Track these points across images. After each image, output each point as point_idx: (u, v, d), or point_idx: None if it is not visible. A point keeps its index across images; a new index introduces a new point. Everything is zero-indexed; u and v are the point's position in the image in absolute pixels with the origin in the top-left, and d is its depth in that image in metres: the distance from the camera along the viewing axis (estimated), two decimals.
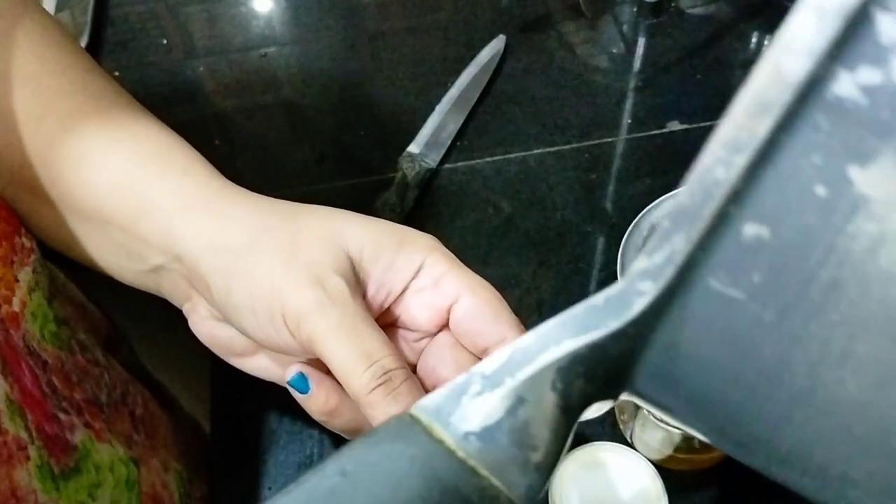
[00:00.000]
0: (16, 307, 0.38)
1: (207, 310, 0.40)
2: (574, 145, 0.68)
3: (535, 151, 0.68)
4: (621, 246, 0.39)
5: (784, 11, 0.78)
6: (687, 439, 0.48)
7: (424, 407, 0.19)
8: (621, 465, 0.50)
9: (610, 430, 0.54)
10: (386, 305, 0.39)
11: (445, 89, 0.71)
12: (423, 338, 0.40)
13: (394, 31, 0.77)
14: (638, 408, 0.49)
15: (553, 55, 0.74)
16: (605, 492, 0.49)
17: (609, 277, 0.61)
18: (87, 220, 0.41)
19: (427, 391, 0.36)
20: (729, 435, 0.20)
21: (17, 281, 0.39)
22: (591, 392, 0.20)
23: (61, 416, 0.39)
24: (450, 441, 0.18)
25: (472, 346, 0.39)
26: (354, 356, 0.34)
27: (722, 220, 0.18)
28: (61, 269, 0.49)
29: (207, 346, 0.42)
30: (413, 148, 0.67)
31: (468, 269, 0.39)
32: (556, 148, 0.68)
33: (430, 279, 0.38)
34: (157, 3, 0.80)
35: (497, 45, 0.73)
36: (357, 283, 0.37)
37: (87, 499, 0.39)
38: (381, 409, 0.34)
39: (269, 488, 0.54)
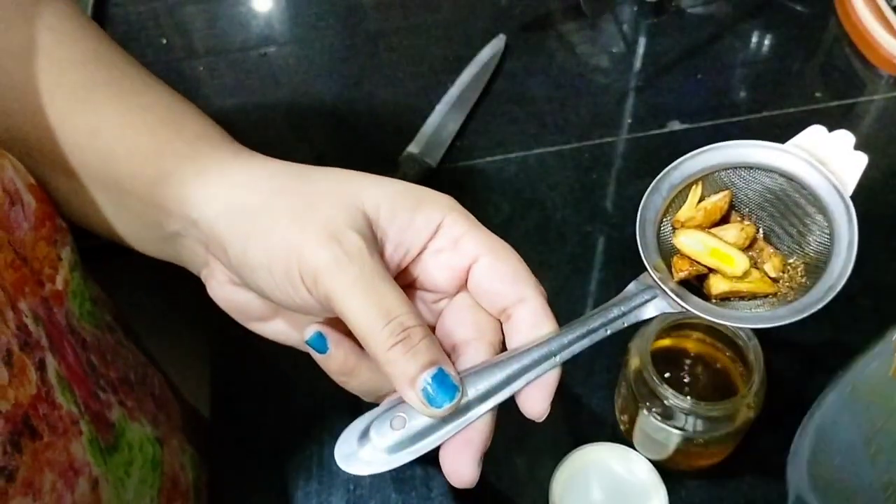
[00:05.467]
0: (59, 285, 0.39)
1: (225, 274, 0.40)
2: (574, 145, 0.68)
3: (535, 151, 0.68)
4: (642, 201, 0.39)
5: (784, 11, 0.78)
6: (687, 440, 0.48)
7: None
8: (622, 466, 0.50)
9: (610, 430, 0.54)
10: (403, 265, 0.38)
11: (445, 89, 0.70)
12: (441, 299, 0.40)
13: (393, 31, 0.77)
14: (639, 408, 0.49)
15: (553, 55, 0.74)
16: (606, 492, 0.49)
17: (609, 277, 0.61)
18: (104, 190, 0.41)
19: (446, 352, 0.36)
20: None
21: (60, 259, 0.40)
22: None
23: (101, 393, 0.40)
24: None
25: (490, 307, 0.38)
26: (372, 313, 0.34)
27: None
28: None
29: (226, 311, 0.42)
30: (413, 148, 0.67)
31: (487, 230, 0.38)
32: (556, 148, 0.68)
33: (448, 239, 0.38)
34: (156, 3, 0.80)
35: (497, 44, 0.73)
36: (374, 242, 0.36)
37: (124, 475, 0.40)
38: (399, 366, 0.34)
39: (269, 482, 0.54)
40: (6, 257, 0.35)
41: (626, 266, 0.62)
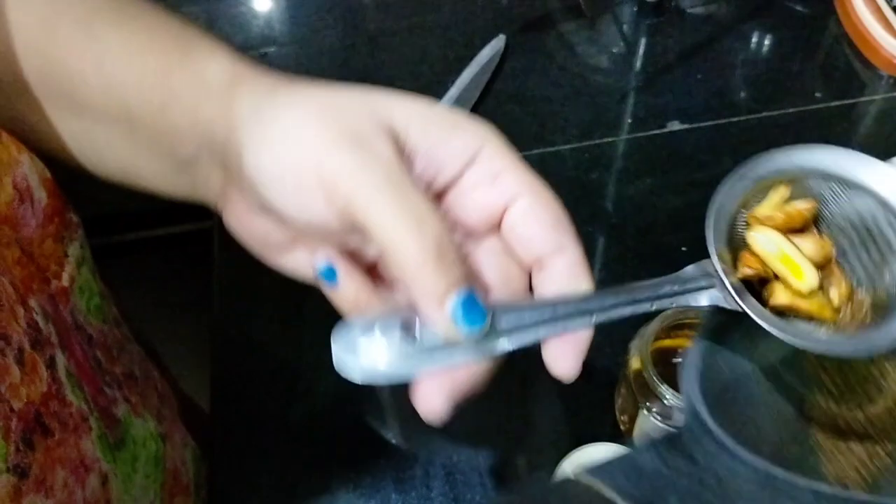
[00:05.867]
0: (65, 282, 0.39)
1: (242, 202, 0.37)
2: (574, 145, 0.68)
3: (535, 151, 0.68)
4: (722, 185, 0.36)
5: (784, 11, 0.77)
6: None
7: None
8: None
9: (610, 430, 0.54)
10: (435, 188, 0.34)
11: (445, 89, 0.71)
12: (468, 241, 0.36)
13: (394, 31, 0.77)
14: (639, 408, 0.49)
15: (553, 55, 0.74)
16: None
17: (609, 277, 0.61)
18: (113, 124, 0.39)
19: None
20: None
21: (67, 256, 0.40)
22: None
23: (107, 390, 0.40)
24: None
25: (524, 253, 0.35)
26: (401, 222, 0.30)
27: None
28: None
29: (243, 242, 0.39)
30: None
31: (529, 168, 0.34)
32: (556, 148, 0.68)
33: (486, 173, 0.34)
34: (156, 3, 0.80)
35: (497, 44, 0.73)
36: (402, 155, 0.32)
37: (131, 471, 0.40)
38: (429, 284, 0.30)
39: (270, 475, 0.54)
40: (13, 254, 0.35)
41: (626, 266, 0.62)
